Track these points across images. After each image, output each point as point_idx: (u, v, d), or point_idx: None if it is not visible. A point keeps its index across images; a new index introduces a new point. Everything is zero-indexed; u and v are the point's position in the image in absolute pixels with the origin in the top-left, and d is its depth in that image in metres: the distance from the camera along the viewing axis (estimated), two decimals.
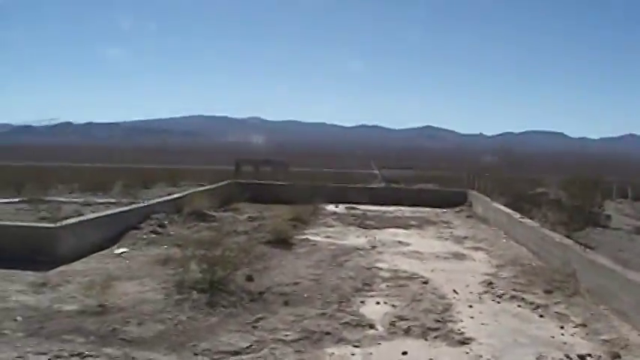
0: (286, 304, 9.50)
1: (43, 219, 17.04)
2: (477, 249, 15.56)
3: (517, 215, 17.68)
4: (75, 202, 22.74)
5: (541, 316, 9.41)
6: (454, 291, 10.77)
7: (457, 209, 24.17)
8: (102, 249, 13.52)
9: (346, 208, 23.60)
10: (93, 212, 17.29)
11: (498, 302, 10.17)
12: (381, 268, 12.55)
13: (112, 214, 15.59)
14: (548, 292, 10.76)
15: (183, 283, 9.93)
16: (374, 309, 9.49)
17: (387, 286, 11.02)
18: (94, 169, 55.04)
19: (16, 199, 23.37)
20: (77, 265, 11.93)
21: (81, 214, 16.74)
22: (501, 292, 10.75)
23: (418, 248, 15.29)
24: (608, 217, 21.56)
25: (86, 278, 10.59)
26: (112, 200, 23.47)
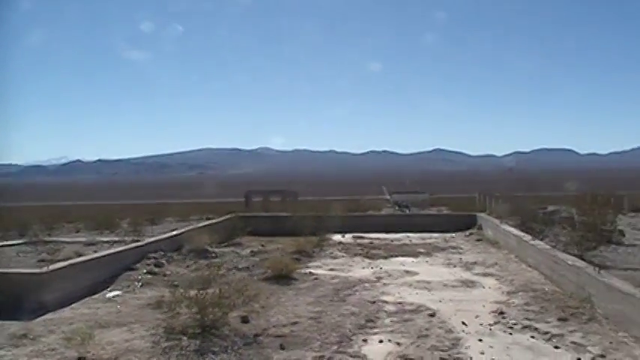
0: (282, 347, 8.91)
1: (42, 261, 16.57)
2: (486, 275, 14.94)
3: (527, 237, 17.07)
4: (78, 242, 22.30)
5: (556, 347, 8.79)
6: (463, 323, 10.15)
7: (467, 233, 23.68)
8: (94, 293, 12.98)
9: (353, 237, 23.10)
10: (95, 252, 16.83)
11: (510, 334, 9.54)
12: (386, 302, 11.94)
13: (105, 255, 15.03)
14: (562, 319, 10.14)
15: (173, 328, 9.37)
16: (377, 348, 8.89)
17: (392, 321, 10.41)
18: (101, 207, 54.76)
19: (20, 241, 23.02)
20: (65, 312, 11.39)
21: (81, 255, 16.25)
22: (513, 321, 10.14)
23: (426, 277, 14.70)
24: (622, 232, 20.89)
25: (72, 326, 10.05)
26: (117, 239, 23.01)
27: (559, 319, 10.13)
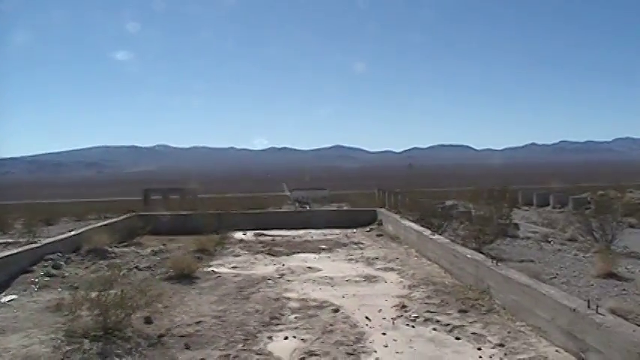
0: (187, 347, 8.77)
1: None
2: (388, 269, 15.14)
3: (427, 232, 17.42)
4: None
5: (457, 338, 9.00)
6: (367, 317, 10.26)
7: (367, 229, 23.93)
8: None
9: (254, 234, 23.00)
10: None
11: (413, 326, 9.70)
12: (289, 298, 11.94)
13: None
14: (462, 311, 10.41)
15: (74, 331, 9.06)
16: (282, 345, 8.88)
17: (296, 317, 10.41)
18: None
19: None
20: None
21: None
22: (415, 315, 10.33)
23: (329, 273, 14.77)
24: (517, 226, 21.64)
25: None
26: (10, 240, 22.15)
27: (459, 311, 10.39)
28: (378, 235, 22.03)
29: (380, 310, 10.74)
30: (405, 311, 10.62)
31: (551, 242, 19.19)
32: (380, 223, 24.41)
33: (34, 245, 16.77)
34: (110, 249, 18.19)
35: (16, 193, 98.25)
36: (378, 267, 15.61)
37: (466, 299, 11.13)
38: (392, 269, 15.17)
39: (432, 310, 10.57)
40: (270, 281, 13.84)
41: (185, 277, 14.08)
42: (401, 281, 13.55)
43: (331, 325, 9.85)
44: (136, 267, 15.84)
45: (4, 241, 22.08)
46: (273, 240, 21.48)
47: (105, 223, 23.39)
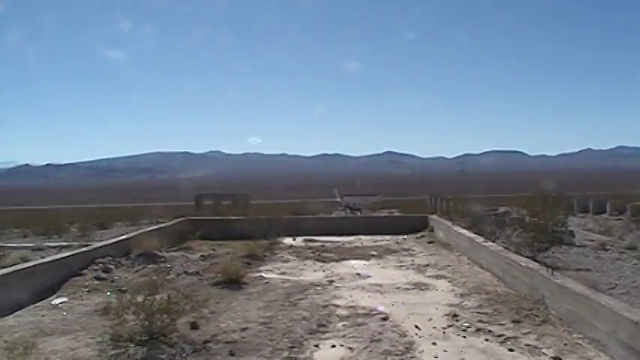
0: (232, 353, 8.66)
1: None
2: (439, 277, 14.84)
3: (479, 239, 17.05)
4: (26, 247, 21.81)
5: (511, 350, 8.69)
6: (416, 326, 10.01)
7: (418, 235, 23.60)
8: (39, 300, 12.55)
9: (304, 240, 22.83)
10: (42, 257, 16.36)
11: (464, 337, 9.41)
12: (338, 305, 11.75)
13: (51, 262, 14.58)
14: (516, 321, 10.07)
15: (120, 335, 9.01)
16: (329, 353, 8.70)
17: (344, 325, 10.20)
18: (50, 212, 53.76)
19: None
20: (9, 320, 11.01)
21: (27, 261, 15.81)
22: (466, 324, 10.03)
23: (378, 280, 14.52)
24: (572, 233, 21.06)
25: (15, 335, 9.67)
26: (65, 244, 22.51)
27: (513, 322, 10.06)
28: (429, 242, 21.68)
29: (430, 319, 10.47)
30: (457, 320, 10.34)
31: (609, 250, 18.61)
32: (431, 230, 24.06)
33: (85, 249, 16.95)
34: (160, 253, 18.21)
35: (73, 198, 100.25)
36: (428, 274, 15.31)
37: (520, 309, 10.78)
38: (443, 277, 14.87)
39: (484, 320, 10.26)
40: (318, 288, 13.66)
41: (233, 282, 13.98)
42: (452, 289, 13.24)
43: (380, 333, 9.62)
44: (184, 272, 15.83)
45: (59, 244, 22.47)
46: (322, 246, 21.29)
47: (156, 227, 23.54)
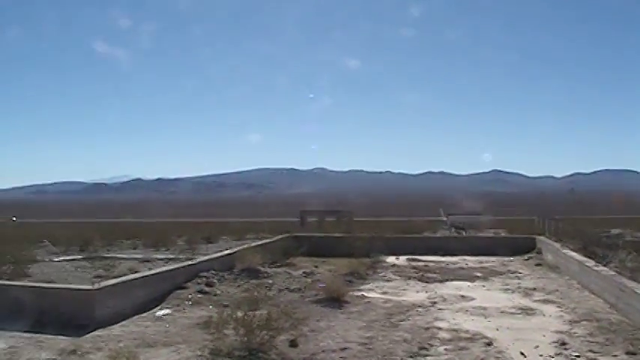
0: None
1: (98, 277, 16.98)
2: (547, 302, 14.30)
3: (591, 263, 16.36)
4: (134, 259, 22.64)
5: None
6: (522, 353, 9.63)
7: (525, 257, 22.94)
8: (144, 311, 12.92)
9: (407, 259, 22.57)
10: (150, 269, 17.08)
11: None
12: (440, 328, 11.47)
13: (156, 274, 15.06)
14: (631, 353, 9.52)
15: (219, 350, 9.11)
16: None
17: (446, 349, 9.94)
18: (159, 224, 55.44)
19: (79, 257, 23.68)
20: (115, 329, 11.36)
21: (135, 272, 16.46)
22: (576, 353, 9.57)
23: (483, 303, 14.14)
24: None
25: (120, 344, 9.99)
26: (171, 256, 23.16)
27: (627, 353, 9.52)
28: (537, 265, 21.01)
29: (537, 346, 10.05)
30: (565, 349, 9.88)
31: None
32: (539, 252, 23.35)
33: (190, 262, 17.33)
34: (263, 269, 18.38)
35: (181, 212, 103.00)
36: (535, 299, 14.78)
37: (635, 340, 10.20)
38: (551, 302, 14.31)
39: (595, 350, 9.76)
40: (420, 309, 13.40)
41: (334, 300, 13.91)
42: (561, 315, 12.72)
43: (483, 359, 9.31)
44: (286, 288, 15.93)
45: (166, 256, 23.12)
46: (426, 266, 20.99)
47: (259, 243, 23.82)
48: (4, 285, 13.80)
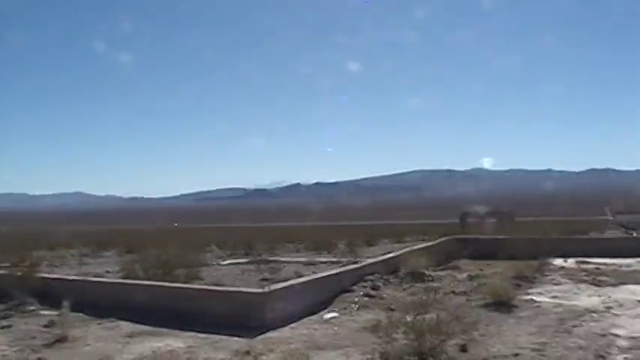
0: None
1: (264, 280, 17.68)
2: None
3: None
4: (298, 262, 23.27)
5: None
6: None
7: None
8: (312, 313, 13.22)
9: (576, 262, 21.71)
10: (313, 272, 17.66)
11: None
12: (618, 335, 10.91)
13: (323, 277, 15.43)
14: None
15: (389, 354, 9.16)
16: None
17: (625, 358, 9.46)
18: (319, 228, 56.55)
19: (245, 260, 24.59)
20: (285, 331, 11.69)
21: (300, 275, 17.01)
22: None
23: None
24: None
25: (290, 346, 10.30)
26: (334, 259, 23.60)
27: None
28: None
29: None
30: None
31: None
32: None
33: (354, 266, 17.61)
34: (427, 272, 18.32)
35: (340, 215, 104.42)
36: None
37: None
38: None
39: None
40: (594, 314, 12.83)
41: (502, 304, 13.63)
42: None
43: None
44: (452, 291, 15.78)
45: (328, 259, 23.55)
46: (597, 268, 20.08)
47: (422, 246, 23.76)
48: (181, 288, 14.59)
